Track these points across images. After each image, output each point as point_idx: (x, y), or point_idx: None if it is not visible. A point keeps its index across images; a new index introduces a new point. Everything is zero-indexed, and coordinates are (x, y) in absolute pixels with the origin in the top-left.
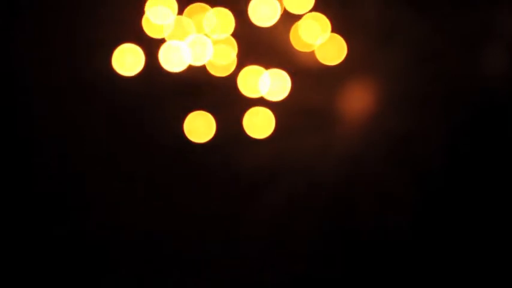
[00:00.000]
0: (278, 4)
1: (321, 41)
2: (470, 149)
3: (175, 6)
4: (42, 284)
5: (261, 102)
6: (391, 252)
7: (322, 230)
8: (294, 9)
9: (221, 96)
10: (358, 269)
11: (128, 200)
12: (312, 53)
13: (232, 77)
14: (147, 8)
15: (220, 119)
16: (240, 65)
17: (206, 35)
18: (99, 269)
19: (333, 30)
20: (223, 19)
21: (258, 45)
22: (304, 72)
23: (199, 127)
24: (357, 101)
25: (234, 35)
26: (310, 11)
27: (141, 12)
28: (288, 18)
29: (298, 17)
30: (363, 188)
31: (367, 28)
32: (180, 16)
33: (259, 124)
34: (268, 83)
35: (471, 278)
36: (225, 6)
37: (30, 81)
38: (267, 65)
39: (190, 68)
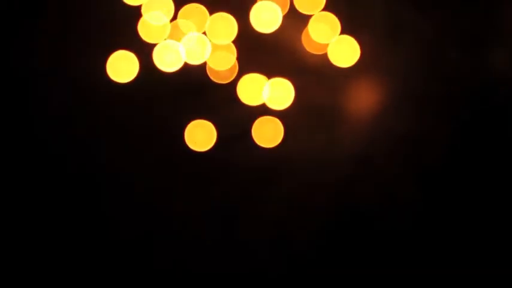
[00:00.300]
0: (279, 10)
1: (333, 42)
2: (474, 149)
3: (172, 7)
4: (42, 284)
5: (264, 108)
6: (395, 251)
7: (325, 230)
8: (303, 9)
9: (222, 103)
10: (361, 267)
11: (130, 199)
12: (319, 54)
13: (233, 84)
14: (144, 10)
15: (222, 126)
16: (242, 72)
17: (204, 33)
18: (99, 268)
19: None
20: (226, 24)
21: (261, 50)
22: (309, 72)
23: (200, 136)
24: (363, 100)
25: (236, 40)
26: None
27: (137, 15)
28: (294, 21)
29: (304, 19)
30: (367, 187)
31: (372, 28)
32: (176, 18)
33: (268, 134)
34: (270, 93)
35: (472, 277)
36: (227, 11)
37: (30, 83)
38: (270, 71)
39: (190, 73)
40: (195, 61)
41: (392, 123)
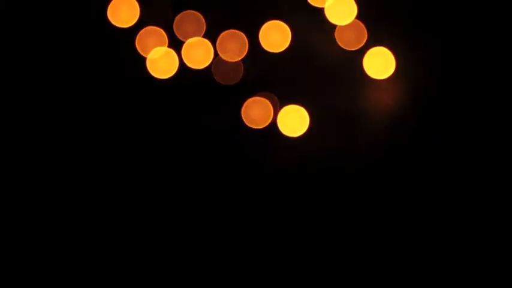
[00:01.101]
0: (289, 30)
1: (368, 53)
2: (492, 148)
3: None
4: (42, 284)
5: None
6: (406, 247)
7: (338, 228)
8: (334, 20)
9: (226, 122)
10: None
11: (131, 202)
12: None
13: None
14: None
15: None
16: (251, 91)
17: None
18: (99, 268)
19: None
20: (236, 41)
21: (270, 70)
22: (329, 73)
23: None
24: (381, 99)
25: (245, 58)
26: None
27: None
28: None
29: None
30: (382, 185)
31: (395, 33)
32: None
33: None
34: (284, 120)
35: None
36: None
37: (31, 87)
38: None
39: (195, 86)
40: (197, 66)
41: (415, 122)
